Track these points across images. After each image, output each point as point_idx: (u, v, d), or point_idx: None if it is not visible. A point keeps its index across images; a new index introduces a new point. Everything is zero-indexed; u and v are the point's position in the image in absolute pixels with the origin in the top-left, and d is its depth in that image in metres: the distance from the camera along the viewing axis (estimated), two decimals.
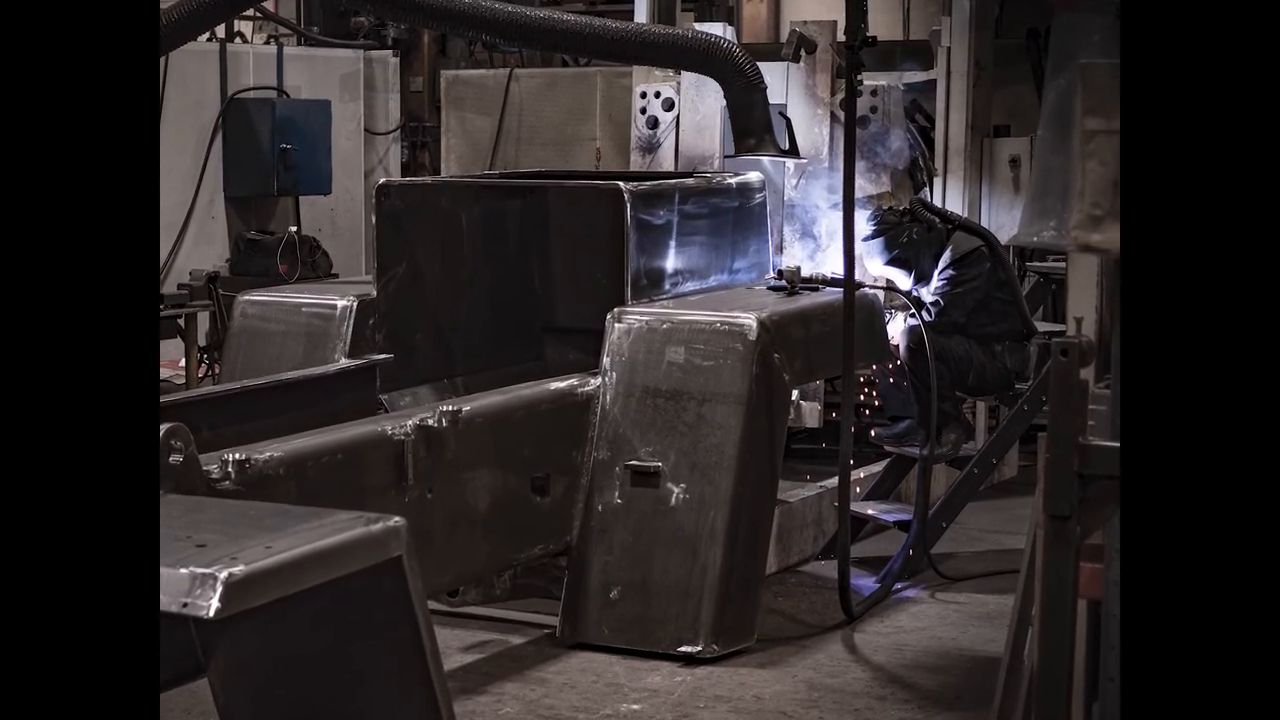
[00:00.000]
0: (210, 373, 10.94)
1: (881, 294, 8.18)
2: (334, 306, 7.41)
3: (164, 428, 4.43)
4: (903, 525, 7.89)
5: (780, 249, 8.71)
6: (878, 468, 8.55)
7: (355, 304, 7.39)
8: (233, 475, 5.18)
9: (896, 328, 8.07)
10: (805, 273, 7.71)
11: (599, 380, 6.90)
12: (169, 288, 11.24)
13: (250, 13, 13.13)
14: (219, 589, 3.24)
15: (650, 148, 9.11)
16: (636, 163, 9.21)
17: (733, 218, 7.98)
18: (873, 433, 8.43)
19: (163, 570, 3.23)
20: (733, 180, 8.14)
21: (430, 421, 6.06)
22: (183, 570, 3.27)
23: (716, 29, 8.80)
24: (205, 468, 5.10)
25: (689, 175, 8.29)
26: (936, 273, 8.10)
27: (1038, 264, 10.06)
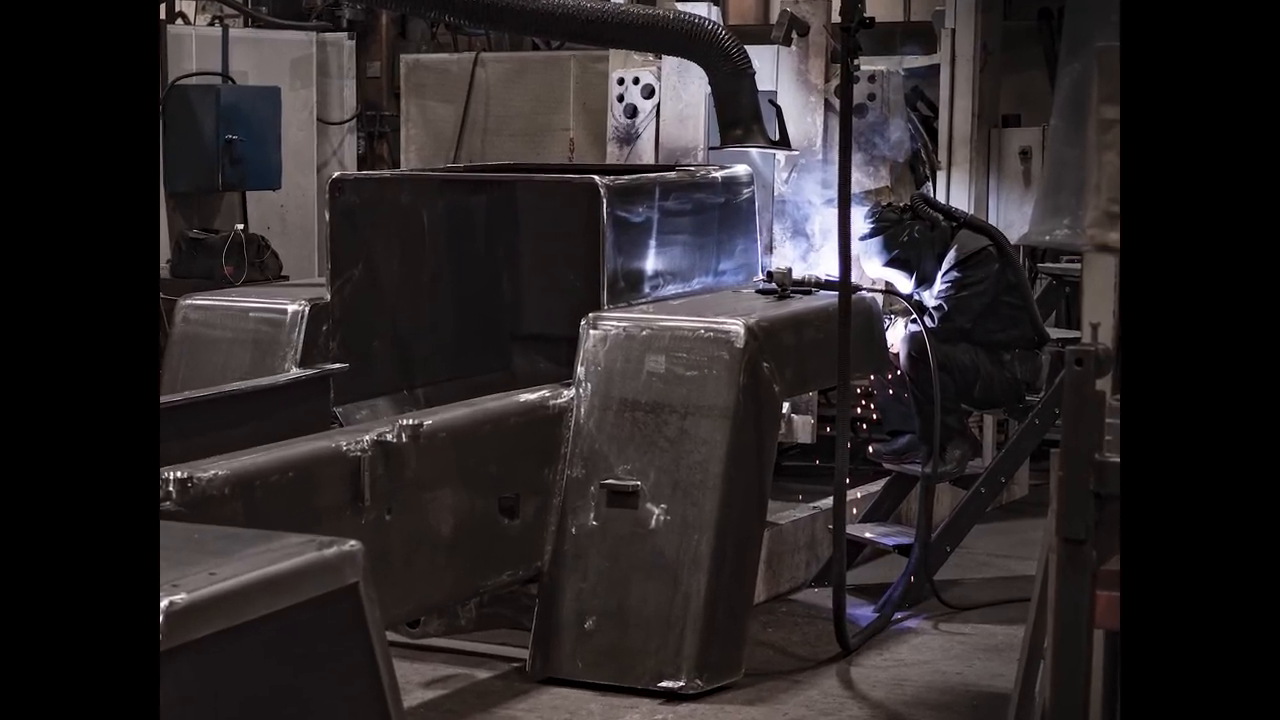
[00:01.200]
0: None
1: (880, 297, 8.22)
2: (284, 311, 7.44)
3: None
4: (903, 549, 7.91)
5: (770, 249, 8.74)
6: (876, 487, 8.56)
7: (307, 309, 7.42)
8: (174, 495, 5.20)
9: (896, 334, 8.09)
10: (797, 275, 7.71)
11: (572, 392, 6.93)
12: None
13: None
14: (159, 619, 3.27)
15: (628, 139, 9.16)
16: (613, 155, 9.24)
17: (718, 215, 8.00)
18: (871, 449, 8.45)
19: None
20: (718, 174, 8.17)
21: (389, 436, 6.09)
22: None
23: (700, 9, 8.83)
24: None
25: (670, 169, 8.32)
26: (940, 274, 8.11)
27: (1050, 265, 10.09)
